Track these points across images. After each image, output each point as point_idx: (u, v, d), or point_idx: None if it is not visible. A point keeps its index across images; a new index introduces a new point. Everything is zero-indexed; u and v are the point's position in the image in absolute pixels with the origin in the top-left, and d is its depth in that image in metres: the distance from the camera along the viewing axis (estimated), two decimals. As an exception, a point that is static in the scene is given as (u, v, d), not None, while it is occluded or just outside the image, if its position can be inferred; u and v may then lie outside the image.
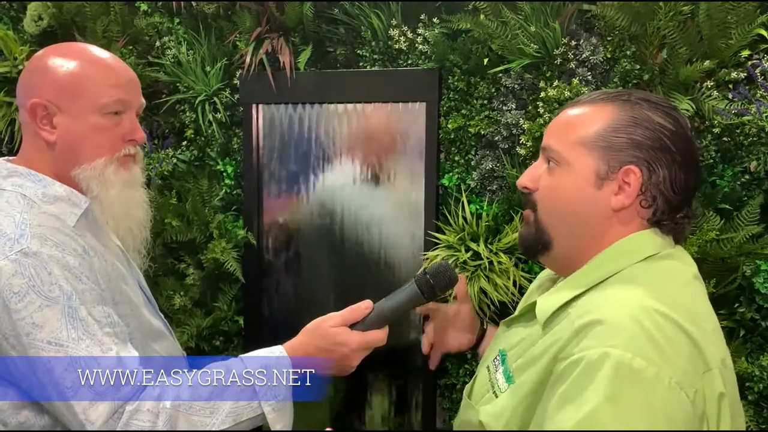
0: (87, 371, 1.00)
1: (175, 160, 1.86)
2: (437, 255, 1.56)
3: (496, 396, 0.96)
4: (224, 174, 1.85)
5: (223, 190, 1.84)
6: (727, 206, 1.41)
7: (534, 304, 1.00)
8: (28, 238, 1.05)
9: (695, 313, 0.91)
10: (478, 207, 1.60)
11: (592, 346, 0.83)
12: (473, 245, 1.54)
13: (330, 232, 1.78)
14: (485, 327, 1.46)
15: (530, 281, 1.52)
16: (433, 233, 1.60)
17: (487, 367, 1.03)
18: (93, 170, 1.16)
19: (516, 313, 1.07)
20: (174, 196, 1.85)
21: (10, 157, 1.20)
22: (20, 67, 1.89)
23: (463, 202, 1.58)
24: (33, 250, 1.04)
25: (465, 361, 1.66)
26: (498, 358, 1.01)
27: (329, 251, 1.79)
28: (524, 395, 0.90)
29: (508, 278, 1.50)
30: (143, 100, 1.23)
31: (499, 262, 1.50)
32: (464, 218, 1.58)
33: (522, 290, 1.51)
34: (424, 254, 1.61)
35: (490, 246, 1.53)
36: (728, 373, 0.91)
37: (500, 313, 1.54)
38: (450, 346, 1.46)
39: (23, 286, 1.01)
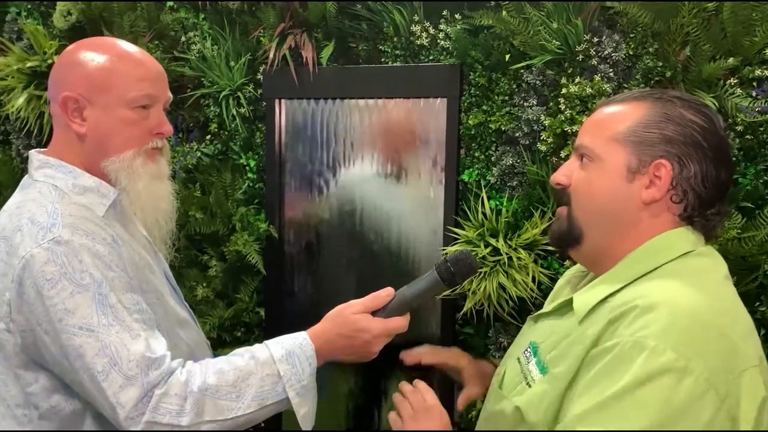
0: (117, 356, 1.03)
1: (199, 154, 1.89)
2: (456, 250, 1.57)
3: (530, 386, 0.98)
4: (247, 168, 1.87)
5: (246, 184, 1.87)
6: (749, 204, 1.40)
7: (569, 300, 1.02)
8: (59, 227, 1.08)
9: (730, 312, 0.92)
10: (497, 203, 1.60)
11: (626, 334, 0.86)
12: (492, 241, 1.55)
13: (350, 226, 1.80)
14: None
15: (549, 277, 1.53)
16: (452, 228, 1.61)
17: (518, 359, 1.04)
18: (121, 162, 1.18)
19: (548, 309, 1.08)
20: (198, 189, 1.88)
21: (42, 149, 1.24)
22: (49, 61, 1.93)
23: (482, 197, 1.59)
24: (65, 239, 1.07)
25: (483, 356, 1.67)
26: (529, 350, 1.03)
27: (349, 245, 1.81)
28: (562, 386, 0.92)
29: (527, 274, 1.51)
30: (170, 95, 1.26)
31: (519, 258, 1.51)
32: (484, 214, 1.58)
33: (541, 286, 1.52)
34: (444, 249, 1.62)
35: (509, 242, 1.54)
36: (766, 373, 0.91)
37: (518, 308, 1.55)
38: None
39: (55, 274, 1.04)
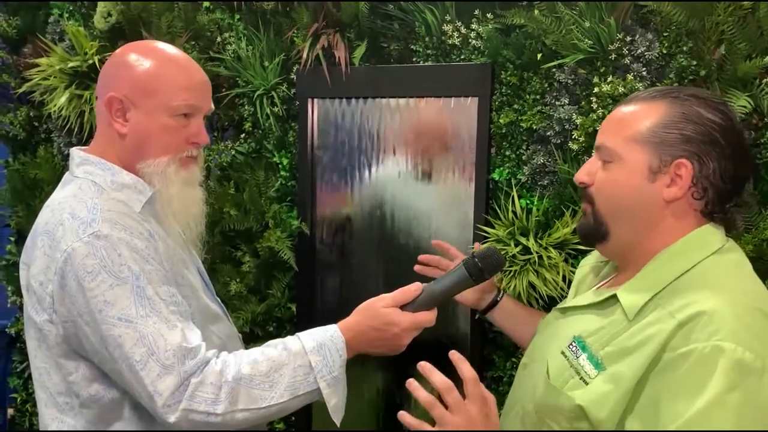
0: (155, 346, 1.06)
1: (233, 152, 1.93)
2: (484, 246, 1.58)
3: (586, 382, 0.99)
4: (280, 166, 1.90)
5: (279, 182, 1.90)
6: (781, 206, 1.38)
7: (612, 297, 1.04)
8: (99, 222, 1.12)
9: None
10: (528, 202, 1.61)
11: (702, 339, 0.89)
12: (523, 240, 1.55)
13: (381, 223, 1.82)
14: (499, 298, 1.48)
15: (580, 276, 1.53)
16: (482, 227, 1.62)
17: (562, 353, 1.06)
18: (156, 166, 1.22)
19: (581, 302, 1.10)
20: (232, 186, 1.91)
21: (83, 147, 1.28)
22: (90, 61, 1.98)
23: (513, 196, 1.59)
24: (104, 233, 1.10)
25: (512, 354, 1.67)
26: (575, 344, 1.05)
27: (380, 242, 1.83)
28: (628, 386, 0.94)
29: (558, 273, 1.51)
30: (212, 106, 1.28)
31: (549, 257, 1.51)
32: (514, 213, 1.59)
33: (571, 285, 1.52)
34: (473, 247, 1.63)
35: (540, 241, 1.54)
36: None
37: (549, 307, 1.55)
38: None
39: (95, 266, 1.08)
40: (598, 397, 0.97)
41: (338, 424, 1.14)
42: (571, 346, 1.05)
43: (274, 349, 1.13)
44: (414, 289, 1.17)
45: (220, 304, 1.37)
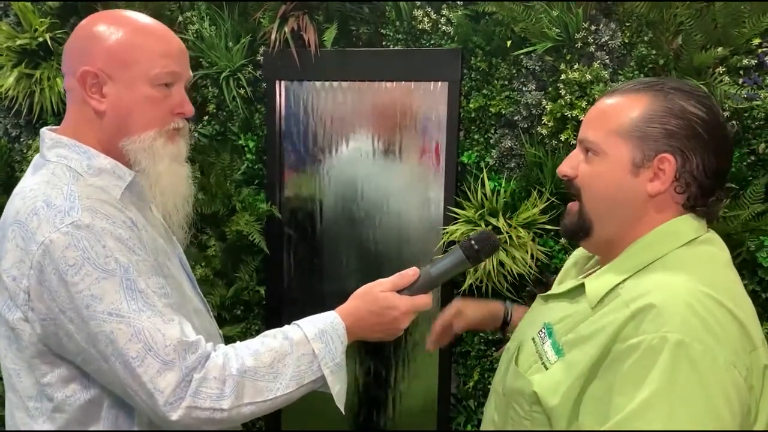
0: (152, 341, 0.99)
1: (197, 135, 1.89)
2: (457, 229, 1.63)
3: (546, 367, 1.02)
4: (246, 149, 1.89)
5: (245, 165, 1.89)
6: (734, 185, 1.49)
7: (581, 285, 1.06)
8: (78, 210, 1.02)
9: (737, 296, 0.97)
10: (496, 184, 1.67)
11: (650, 331, 0.89)
12: (492, 220, 1.61)
13: (350, 206, 1.84)
14: (509, 318, 1.48)
15: (546, 254, 1.61)
16: (452, 208, 1.67)
17: (533, 339, 1.09)
18: (142, 142, 1.13)
19: (559, 290, 1.13)
20: (197, 169, 1.88)
21: (54, 127, 1.18)
22: (40, 39, 1.90)
23: (482, 178, 1.65)
24: (85, 223, 1.01)
25: (480, 330, 1.74)
26: (544, 331, 1.07)
27: (349, 225, 1.85)
28: (580, 373, 0.95)
29: (526, 252, 1.58)
30: (191, 74, 1.21)
31: (518, 237, 1.58)
32: (483, 194, 1.64)
33: (539, 263, 1.60)
34: (444, 228, 1.68)
35: (509, 221, 1.61)
36: (766, 350, 0.98)
37: (517, 284, 1.63)
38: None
39: (78, 259, 0.99)
40: (551, 385, 0.99)
41: (342, 411, 1.13)
42: (540, 332, 1.08)
43: (273, 339, 1.09)
44: (411, 273, 1.17)
45: (202, 298, 1.30)
